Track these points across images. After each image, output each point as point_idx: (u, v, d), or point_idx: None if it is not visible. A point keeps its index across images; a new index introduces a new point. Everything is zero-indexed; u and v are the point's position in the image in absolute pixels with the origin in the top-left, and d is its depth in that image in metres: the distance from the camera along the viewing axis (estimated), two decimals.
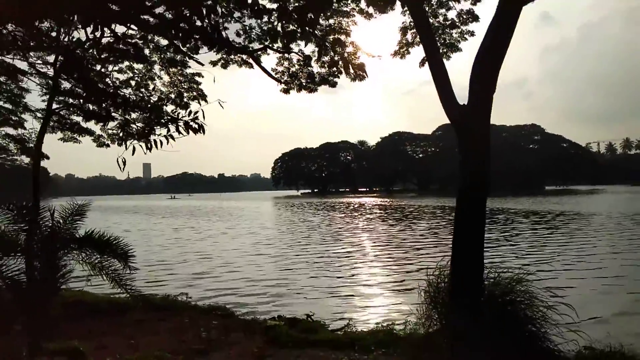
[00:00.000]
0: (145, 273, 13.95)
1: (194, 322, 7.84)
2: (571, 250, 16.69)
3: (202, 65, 11.40)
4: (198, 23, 9.22)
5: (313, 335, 6.77)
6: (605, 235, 20.56)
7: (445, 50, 9.71)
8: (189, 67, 12.23)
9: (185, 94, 12.73)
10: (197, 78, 12.64)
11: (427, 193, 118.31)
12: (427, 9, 9.61)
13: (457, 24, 9.48)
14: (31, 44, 12.08)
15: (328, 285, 12.27)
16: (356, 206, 58.66)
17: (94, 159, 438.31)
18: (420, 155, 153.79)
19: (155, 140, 12.93)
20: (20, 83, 13.68)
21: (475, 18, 9.40)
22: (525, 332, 5.14)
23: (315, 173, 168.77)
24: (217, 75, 10.69)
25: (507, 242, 19.15)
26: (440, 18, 9.59)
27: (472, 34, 9.44)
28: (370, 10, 9.83)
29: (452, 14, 9.48)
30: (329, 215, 41.32)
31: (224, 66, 11.90)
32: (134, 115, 12.88)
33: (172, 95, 12.70)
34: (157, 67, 12.56)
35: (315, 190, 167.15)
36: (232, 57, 11.77)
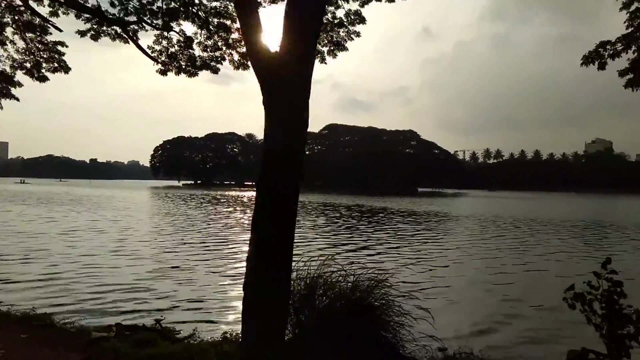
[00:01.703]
0: None
1: None
2: (436, 251, 17.29)
3: (61, 31, 10.04)
4: None
5: (147, 349, 5.46)
6: (469, 236, 22.47)
7: (332, 48, 9.74)
8: (50, 34, 10.73)
9: (44, 65, 11.14)
10: (59, 48, 11.13)
11: (313, 189, 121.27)
12: None
13: (345, 23, 9.55)
14: None
15: (195, 287, 10.95)
16: (242, 200, 57.75)
17: None
18: (307, 152, 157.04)
19: None
20: None
21: (362, 20, 9.56)
22: (379, 339, 5.06)
23: (200, 164, 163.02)
24: (93, 49, 9.46)
25: (381, 243, 20.02)
26: (329, 16, 9.58)
27: (358, 34, 9.57)
28: None
29: (340, 13, 9.52)
30: (210, 209, 40.00)
31: (94, 38, 10.62)
32: None
33: (28, 65, 11.04)
34: (9, 30, 10.80)
35: (199, 182, 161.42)
36: (104, 28, 10.59)
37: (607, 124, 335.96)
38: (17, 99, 11.14)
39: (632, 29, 8.30)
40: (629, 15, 8.37)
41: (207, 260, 14.51)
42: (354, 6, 9.29)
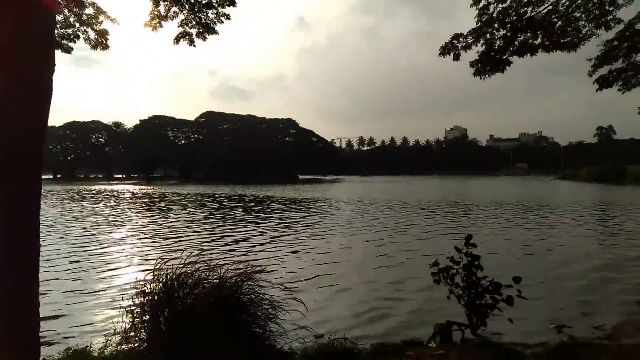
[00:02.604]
0: None
1: None
2: (317, 238, 17.20)
3: None
4: None
5: None
6: (349, 220, 23.30)
7: (201, 30, 9.20)
8: None
9: None
10: None
11: (189, 180, 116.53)
12: None
13: (214, 4, 9.07)
14: None
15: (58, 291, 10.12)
16: (109, 195, 53.23)
17: None
18: (183, 142, 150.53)
19: None
20: None
21: (232, 2, 9.16)
22: (247, 335, 4.85)
23: (58, 156, 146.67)
24: None
25: (261, 233, 19.88)
26: None
27: (228, 17, 9.15)
28: None
29: None
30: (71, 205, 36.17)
31: None
32: None
33: None
34: None
35: (59, 176, 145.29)
36: None
37: (463, 113, 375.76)
38: None
39: (481, 24, 9.16)
40: (478, 11, 9.23)
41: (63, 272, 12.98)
42: None
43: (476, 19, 9.27)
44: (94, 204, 37.17)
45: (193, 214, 27.53)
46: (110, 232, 19.24)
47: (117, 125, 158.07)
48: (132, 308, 4.76)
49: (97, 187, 75.68)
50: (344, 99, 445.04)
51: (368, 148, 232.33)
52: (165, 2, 8.86)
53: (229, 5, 9.15)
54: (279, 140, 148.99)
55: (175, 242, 16.37)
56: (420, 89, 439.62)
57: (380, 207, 31.37)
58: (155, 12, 8.98)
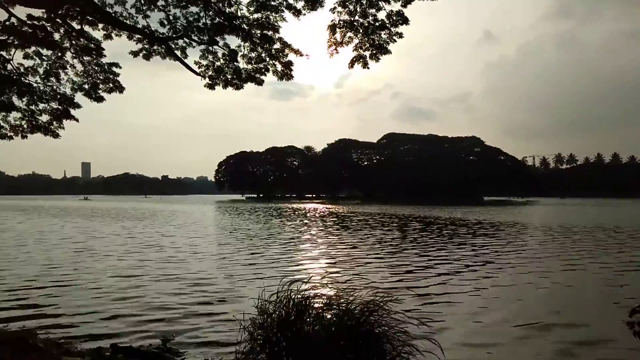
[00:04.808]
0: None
1: None
2: (490, 268, 14.76)
3: (102, 50, 10.52)
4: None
5: None
6: (541, 249, 20.10)
7: (374, 51, 9.43)
8: (105, 56, 11.27)
9: (101, 86, 11.71)
10: (114, 69, 11.67)
11: (372, 200, 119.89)
12: (357, 8, 9.33)
13: (387, 25, 9.22)
14: None
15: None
16: (302, 213, 58.17)
17: (27, 155, 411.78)
18: (366, 163, 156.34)
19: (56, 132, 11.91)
20: None
21: (405, 20, 9.18)
22: None
23: (261, 177, 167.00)
24: (156, 70, 9.83)
25: (434, 258, 19.10)
26: (370, 18, 9.29)
27: (400, 36, 9.19)
28: (299, 5, 9.42)
29: (382, 15, 9.21)
30: (273, 221, 40.51)
31: (146, 57, 11.10)
32: (41, 106, 11.74)
33: (86, 87, 11.65)
34: (69, 55, 11.48)
35: (261, 195, 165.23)
36: (155, 47, 11.00)
37: None
38: (77, 120, 11.75)
39: None
40: None
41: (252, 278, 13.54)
42: (396, 7, 8.96)
43: None
44: (279, 218, 41.10)
45: (370, 233, 28.08)
46: (271, 244, 20.86)
47: (309, 149, 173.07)
48: (251, 329, 4.58)
49: (292, 206, 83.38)
50: (535, 113, 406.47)
51: (568, 167, 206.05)
52: (341, 29, 9.37)
53: (401, 24, 9.20)
54: (462, 160, 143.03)
55: (329, 260, 16.48)
56: (632, 95, 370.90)
57: (587, 234, 27.10)
58: (332, 40, 9.56)
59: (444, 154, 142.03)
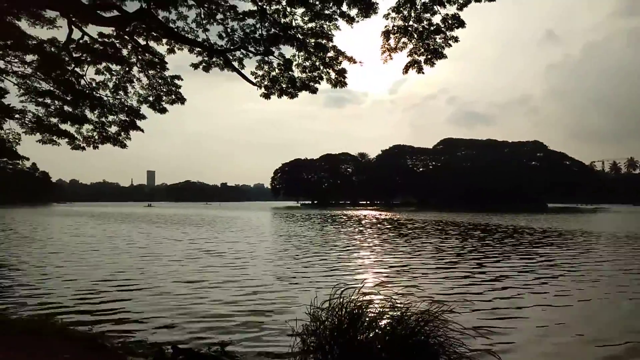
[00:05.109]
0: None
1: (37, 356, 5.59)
2: (554, 279, 14.02)
3: (166, 63, 11.02)
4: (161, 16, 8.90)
5: None
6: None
7: (429, 56, 9.28)
8: (167, 69, 11.87)
9: (164, 97, 12.33)
10: (176, 81, 12.26)
11: (427, 207, 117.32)
12: (412, 13, 9.23)
13: (442, 29, 9.05)
14: (8, 42, 11.76)
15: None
16: (356, 219, 57.98)
17: (98, 165, 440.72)
18: (421, 169, 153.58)
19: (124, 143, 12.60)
20: None
21: (461, 23, 8.98)
22: None
23: (316, 184, 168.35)
24: (214, 81, 10.30)
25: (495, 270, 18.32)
26: (425, 23, 9.16)
27: (456, 39, 8.98)
28: (353, 13, 9.46)
29: (437, 19, 9.06)
30: (328, 228, 40.67)
31: (205, 69, 11.56)
32: (110, 118, 12.54)
33: (151, 99, 12.32)
34: (135, 70, 12.20)
35: (315, 202, 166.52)
36: (214, 59, 11.44)
37: None
38: (142, 130, 12.40)
39: None
40: None
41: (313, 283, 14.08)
42: (452, 10, 8.78)
43: None
44: (335, 225, 41.09)
45: (427, 241, 27.47)
46: (328, 251, 20.78)
47: (362, 156, 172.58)
48: (304, 336, 4.55)
49: (346, 213, 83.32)
50: (604, 115, 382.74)
51: None
52: (395, 35, 9.31)
53: (457, 27, 9.00)
54: (524, 165, 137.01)
55: (383, 268, 16.17)
56: None
57: None
58: (386, 46, 9.52)
59: (504, 159, 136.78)
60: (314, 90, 10.81)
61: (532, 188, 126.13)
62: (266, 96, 11.27)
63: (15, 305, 10.15)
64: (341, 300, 4.63)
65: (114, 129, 12.48)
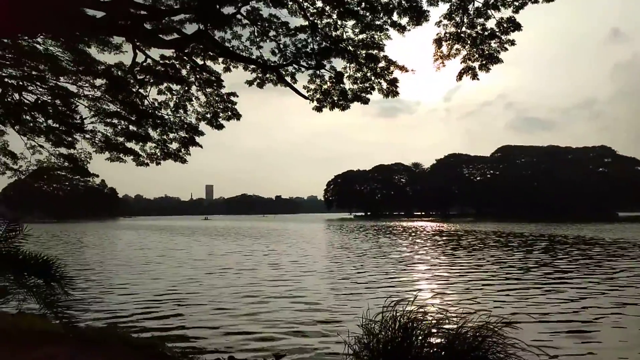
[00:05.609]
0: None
1: None
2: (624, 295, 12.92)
3: (222, 81, 11.39)
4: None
5: None
6: None
7: (484, 62, 9.05)
8: (224, 86, 12.32)
9: (221, 114, 12.79)
10: (232, 98, 12.68)
11: (485, 217, 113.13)
12: (464, 19, 9.07)
13: (497, 33, 8.81)
14: (80, 68, 12.67)
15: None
16: (411, 231, 56.91)
17: (160, 180, 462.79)
18: (478, 178, 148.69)
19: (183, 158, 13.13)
20: (71, 105, 14.29)
21: (518, 26, 8.71)
22: None
23: (369, 196, 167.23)
24: (268, 97, 10.63)
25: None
26: (479, 28, 8.97)
27: (512, 43, 8.71)
28: (404, 22, 9.42)
29: (491, 23, 8.84)
30: (382, 240, 40.23)
31: (260, 85, 11.88)
32: (171, 135, 13.15)
33: (208, 116, 12.81)
34: (194, 88, 12.75)
35: (369, 213, 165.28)
36: (267, 75, 11.75)
37: None
38: (201, 146, 12.89)
39: None
40: None
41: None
42: (507, 13, 8.54)
43: None
44: (391, 238, 40.50)
45: (487, 253, 26.46)
46: (380, 261, 20.41)
47: (416, 165, 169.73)
48: (357, 349, 4.46)
49: (401, 224, 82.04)
50: None
51: None
52: (448, 42, 9.17)
53: (513, 30, 8.74)
54: (590, 172, 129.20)
55: (439, 281, 15.66)
56: None
57: None
58: (439, 53, 9.39)
59: (567, 166, 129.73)
60: (365, 101, 10.82)
61: (600, 196, 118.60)
62: (318, 109, 11.40)
63: (82, 313, 10.75)
64: (394, 313, 4.55)
65: (174, 145, 13.09)
